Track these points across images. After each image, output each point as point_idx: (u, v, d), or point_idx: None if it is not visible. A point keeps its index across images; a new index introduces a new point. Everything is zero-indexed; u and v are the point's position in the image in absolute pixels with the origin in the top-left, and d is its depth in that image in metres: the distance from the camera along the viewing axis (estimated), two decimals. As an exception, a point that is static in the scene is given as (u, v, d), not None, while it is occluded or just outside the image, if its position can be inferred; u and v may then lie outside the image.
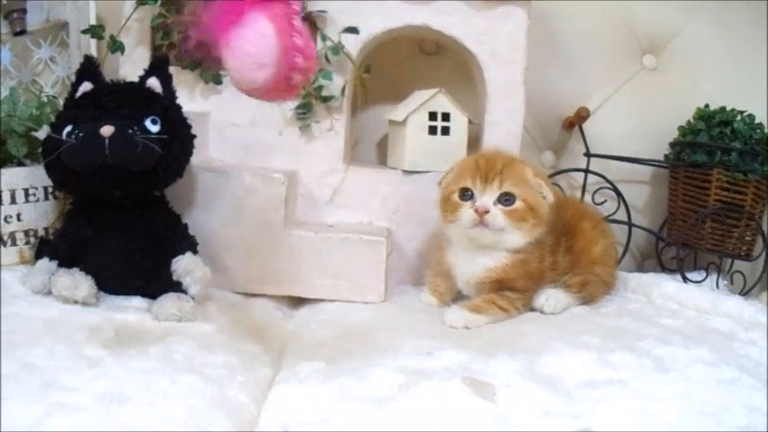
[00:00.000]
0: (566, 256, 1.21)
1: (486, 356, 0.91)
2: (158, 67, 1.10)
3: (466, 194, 1.09)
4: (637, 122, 1.55)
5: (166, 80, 1.09)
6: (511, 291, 1.11)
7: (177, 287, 1.02)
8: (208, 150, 1.26)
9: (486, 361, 0.89)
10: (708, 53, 1.58)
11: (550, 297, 1.15)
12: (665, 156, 1.49)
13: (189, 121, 1.09)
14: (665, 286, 1.29)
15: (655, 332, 1.02)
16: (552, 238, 1.18)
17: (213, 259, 1.12)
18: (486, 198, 1.08)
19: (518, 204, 1.08)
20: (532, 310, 1.14)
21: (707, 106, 1.44)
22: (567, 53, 1.55)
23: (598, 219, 1.32)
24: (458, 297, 1.17)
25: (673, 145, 1.50)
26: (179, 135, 1.06)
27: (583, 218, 1.24)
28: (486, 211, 1.07)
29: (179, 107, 1.09)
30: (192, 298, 1.01)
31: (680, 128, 1.46)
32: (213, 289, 1.11)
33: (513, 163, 1.11)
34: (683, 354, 0.94)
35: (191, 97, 1.26)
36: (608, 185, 1.52)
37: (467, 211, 1.07)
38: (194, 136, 1.09)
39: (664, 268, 1.49)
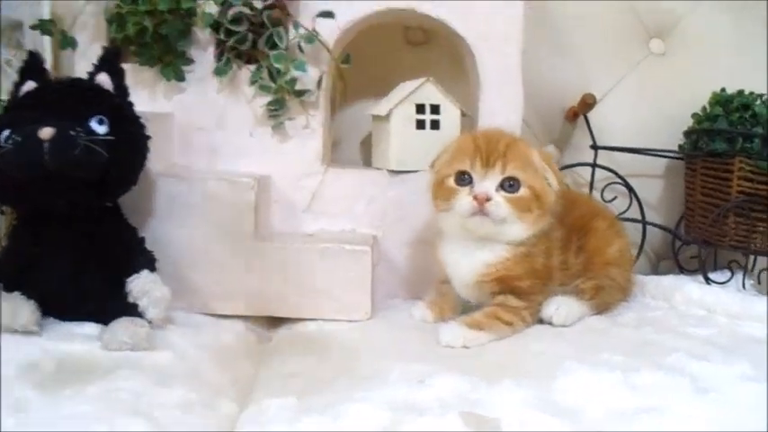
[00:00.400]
0: (577, 257, 1.07)
1: (488, 383, 0.77)
2: (108, 60, 1.00)
3: (463, 179, 0.97)
4: (645, 112, 1.46)
5: (117, 75, 1.00)
6: (515, 293, 0.99)
7: (133, 310, 0.92)
8: (172, 156, 1.15)
9: (488, 388, 0.75)
10: (718, 35, 1.50)
11: (561, 306, 1.02)
12: (680, 146, 1.39)
13: (143, 120, 0.99)
14: (688, 289, 1.16)
15: (684, 344, 0.91)
16: (562, 233, 1.05)
17: (176, 277, 1.02)
18: (488, 183, 0.95)
19: (523, 191, 0.96)
20: (540, 322, 1.02)
21: (723, 90, 1.33)
22: (567, 39, 1.46)
23: (612, 217, 1.19)
24: (464, 311, 1.04)
25: (688, 133, 1.38)
26: (130, 136, 0.96)
27: (596, 216, 1.12)
28: (488, 199, 0.94)
29: (131, 105, 0.99)
30: (149, 322, 0.91)
31: (694, 115, 1.36)
32: (177, 311, 1.01)
33: (517, 143, 0.98)
34: (723, 370, 0.81)
35: (152, 97, 1.16)
36: (618, 181, 1.40)
37: (464, 198, 0.95)
38: (148, 137, 0.99)
39: (682, 269, 1.39)
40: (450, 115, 1.22)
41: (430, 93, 1.22)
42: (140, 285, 0.93)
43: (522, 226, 0.97)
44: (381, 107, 1.23)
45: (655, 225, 1.41)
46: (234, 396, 0.83)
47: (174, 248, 1.05)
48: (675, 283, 1.18)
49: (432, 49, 1.41)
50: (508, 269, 0.98)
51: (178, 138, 1.16)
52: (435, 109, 1.22)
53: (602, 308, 1.09)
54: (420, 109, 1.20)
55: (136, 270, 0.94)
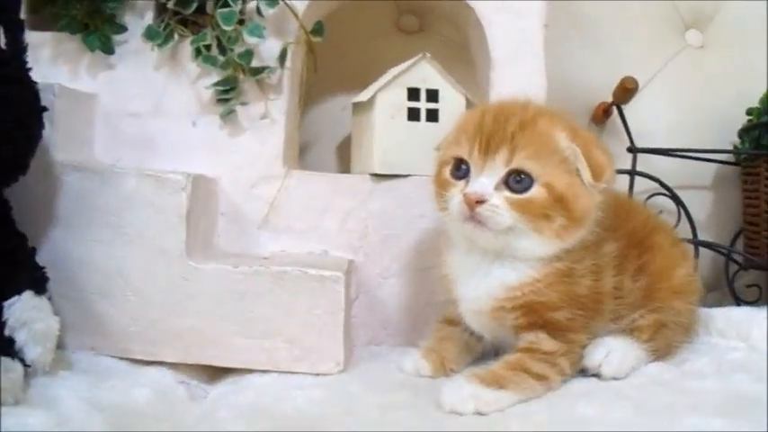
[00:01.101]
0: (636, 280, 0.80)
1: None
2: (4, 8, 0.82)
3: (460, 169, 0.74)
4: (684, 111, 1.30)
5: (13, 26, 0.81)
6: (549, 330, 0.73)
7: (8, 347, 0.71)
8: (92, 149, 0.95)
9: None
10: (759, 24, 1.34)
11: (613, 351, 0.76)
12: (735, 147, 1.21)
13: (37, 87, 0.80)
14: (769, 325, 0.89)
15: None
16: (617, 247, 0.78)
17: (81, 306, 0.82)
18: (485, 179, 0.71)
19: (536, 191, 0.70)
20: (582, 372, 0.76)
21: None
22: (595, 31, 1.32)
23: (675, 235, 0.93)
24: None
25: (746, 131, 1.18)
26: (13, 103, 0.76)
27: (657, 230, 0.87)
28: (480, 201, 0.69)
29: (24, 65, 0.80)
30: (27, 366, 0.70)
31: (753, 109, 1.18)
32: (84, 352, 0.81)
33: (536, 121, 0.72)
34: None
35: (73, 74, 0.96)
36: (663, 191, 1.16)
37: (456, 197, 0.72)
38: (44, 108, 0.80)
39: (739, 301, 1.18)
40: (452, 103, 0.97)
41: (426, 74, 0.97)
42: (18, 312, 0.72)
43: (538, 240, 0.72)
44: (364, 93, 0.98)
45: (711, 246, 1.15)
46: None
47: (80, 267, 0.83)
48: (751, 317, 0.93)
49: (427, 37, 1.26)
50: (538, 294, 0.73)
51: (101, 126, 0.96)
52: (433, 95, 0.97)
53: (661, 353, 0.82)
54: (413, 95, 0.97)
55: (16, 291, 0.74)
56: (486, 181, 0.70)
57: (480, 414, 0.65)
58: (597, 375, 0.75)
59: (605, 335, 0.78)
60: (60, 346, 0.77)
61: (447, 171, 0.75)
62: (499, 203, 0.70)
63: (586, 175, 0.70)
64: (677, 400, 0.66)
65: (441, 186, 0.76)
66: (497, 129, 0.71)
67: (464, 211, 0.70)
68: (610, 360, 0.75)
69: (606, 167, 0.72)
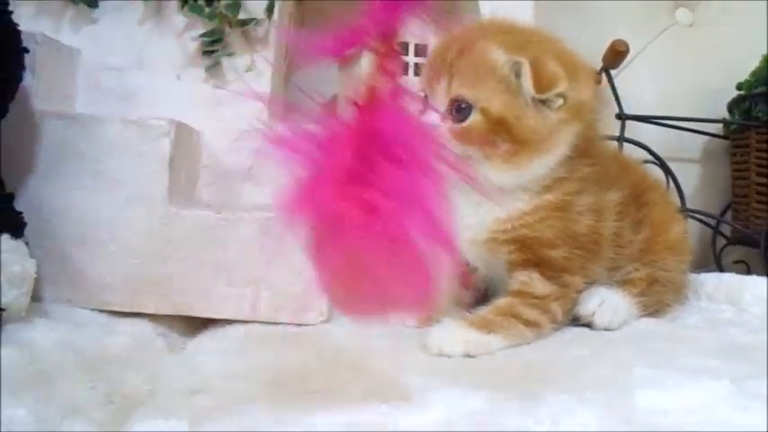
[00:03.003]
0: (637, 232, 0.77)
1: (521, 398, 0.45)
2: None
3: (426, 101, 0.71)
4: (673, 86, 1.28)
5: None
6: (543, 269, 0.70)
7: None
8: (73, 102, 0.91)
9: (531, 407, 0.43)
10: (746, 4, 1.33)
11: (606, 301, 0.73)
12: (724, 120, 1.20)
13: (18, 27, 0.75)
14: (761, 289, 0.86)
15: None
16: (620, 195, 0.75)
17: (57, 256, 0.77)
18: (433, 111, 0.69)
19: (474, 118, 0.67)
20: (573, 321, 0.74)
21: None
22: (586, 5, 1.30)
23: (668, 195, 0.91)
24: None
25: (736, 102, 1.16)
26: None
27: (652, 188, 0.84)
28: None
29: (6, 6, 0.75)
30: (3, 310, 0.66)
31: (744, 82, 1.16)
32: (57, 305, 0.77)
33: (475, 43, 0.67)
34: None
35: (55, 29, 0.92)
36: (652, 159, 1.13)
37: None
38: (25, 50, 0.75)
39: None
40: None
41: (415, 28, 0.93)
42: None
43: (491, 167, 0.68)
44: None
45: (700, 213, 1.12)
46: (101, 420, 0.54)
47: (57, 216, 0.78)
48: (742, 281, 0.90)
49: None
50: (530, 228, 0.69)
51: (83, 80, 0.92)
52: (422, 50, 0.94)
53: (651, 311, 0.79)
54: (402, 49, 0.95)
55: None
56: (433, 114, 0.67)
57: (469, 356, 0.62)
58: (589, 325, 0.73)
59: (598, 285, 0.75)
60: (35, 298, 0.72)
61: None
62: (445, 135, 0.66)
63: (528, 87, 0.64)
64: (673, 346, 0.63)
65: None
66: (440, 60, 0.68)
67: None
68: (603, 309, 0.72)
69: (558, 79, 0.65)
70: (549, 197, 0.69)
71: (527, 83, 0.64)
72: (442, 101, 0.68)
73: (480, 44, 0.67)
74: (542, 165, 0.68)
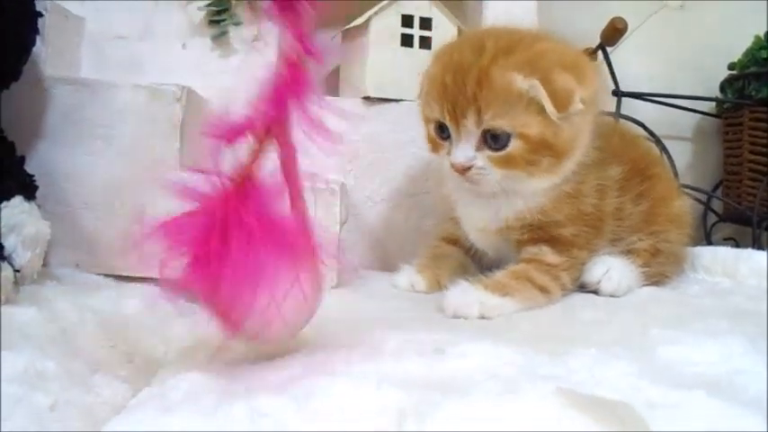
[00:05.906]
0: (637, 204, 0.79)
1: (550, 353, 0.46)
2: None
3: (444, 130, 0.72)
4: (665, 66, 1.28)
5: None
6: (553, 244, 0.72)
7: None
8: (79, 70, 0.92)
9: (561, 361, 0.45)
10: None
11: (612, 268, 0.75)
12: (716, 99, 1.20)
13: None
14: (757, 261, 0.88)
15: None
16: (621, 170, 0.77)
17: (68, 221, 0.77)
18: (464, 143, 0.69)
19: (514, 144, 0.68)
20: (580, 288, 0.75)
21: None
22: None
23: (669, 170, 0.93)
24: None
25: (729, 82, 1.17)
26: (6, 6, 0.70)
27: (657, 162, 0.87)
28: (467, 168, 0.68)
29: None
30: (17, 271, 0.65)
31: (738, 62, 1.18)
32: (66, 269, 0.77)
33: (491, 72, 0.67)
34: None
35: None
36: (648, 136, 1.13)
37: (446, 159, 0.71)
38: (39, 14, 0.75)
39: None
40: (445, 32, 0.96)
41: (420, 1, 0.96)
42: (8, 216, 0.67)
43: (532, 180, 0.70)
44: (359, 18, 0.96)
45: (692, 189, 1.14)
46: (126, 376, 0.55)
47: (66, 181, 0.78)
48: (738, 255, 0.91)
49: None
50: (545, 215, 0.72)
51: (88, 49, 0.93)
52: (426, 23, 0.96)
53: (651, 280, 0.81)
54: (407, 21, 0.96)
55: (5, 195, 0.69)
56: (465, 146, 0.69)
57: (484, 318, 0.63)
58: (595, 292, 0.75)
59: (604, 254, 0.77)
60: (44, 263, 0.72)
61: (432, 130, 0.73)
62: (484, 164, 0.68)
63: (549, 108, 0.66)
64: (682, 311, 0.66)
65: (431, 142, 0.74)
66: (459, 89, 0.68)
67: (457, 175, 0.69)
68: (610, 276, 0.74)
69: (572, 92, 0.66)
70: (564, 188, 0.72)
71: (548, 106, 0.66)
72: (473, 133, 0.68)
73: (496, 71, 0.67)
74: (574, 162, 0.71)
